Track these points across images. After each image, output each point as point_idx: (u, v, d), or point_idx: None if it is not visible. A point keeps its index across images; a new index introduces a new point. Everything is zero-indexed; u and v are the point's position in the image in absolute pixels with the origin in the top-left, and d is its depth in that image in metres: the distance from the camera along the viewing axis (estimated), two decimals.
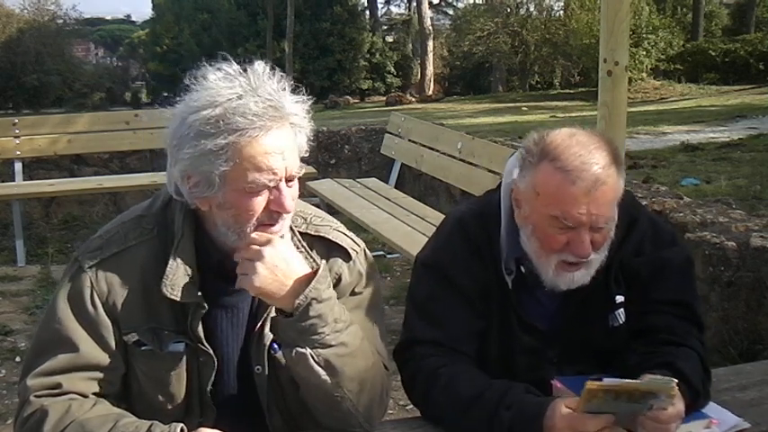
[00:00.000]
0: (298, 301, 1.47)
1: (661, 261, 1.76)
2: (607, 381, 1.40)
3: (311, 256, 1.59)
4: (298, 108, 1.51)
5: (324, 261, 1.57)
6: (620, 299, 1.76)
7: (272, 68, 1.52)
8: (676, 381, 1.44)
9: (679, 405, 1.48)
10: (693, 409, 1.59)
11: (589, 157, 1.58)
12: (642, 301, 1.75)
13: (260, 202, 1.47)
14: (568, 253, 1.63)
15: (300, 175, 1.51)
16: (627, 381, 1.43)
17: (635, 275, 1.75)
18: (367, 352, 1.58)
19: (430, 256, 1.80)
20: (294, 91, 1.53)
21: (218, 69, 1.48)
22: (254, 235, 1.48)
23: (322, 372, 1.50)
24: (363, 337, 1.58)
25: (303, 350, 1.49)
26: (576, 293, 1.72)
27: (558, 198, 1.59)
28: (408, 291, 1.82)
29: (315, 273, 1.50)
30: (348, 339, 1.52)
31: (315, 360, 1.49)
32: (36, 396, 1.48)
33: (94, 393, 1.52)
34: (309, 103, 1.54)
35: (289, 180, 1.49)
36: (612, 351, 1.76)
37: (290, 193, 1.49)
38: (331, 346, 1.50)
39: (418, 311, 1.76)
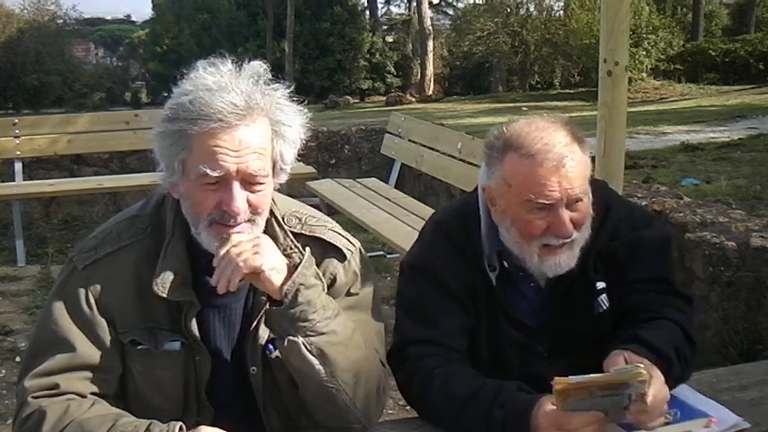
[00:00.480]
0: (286, 288, 1.47)
1: (636, 241, 1.78)
2: (574, 378, 1.40)
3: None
4: (291, 118, 1.51)
5: (308, 248, 1.57)
6: (600, 285, 1.78)
7: (275, 76, 1.51)
8: (642, 366, 1.44)
9: (658, 383, 1.48)
10: (673, 380, 1.60)
11: (550, 138, 1.63)
12: (621, 283, 1.77)
13: (209, 198, 1.46)
14: (550, 236, 1.65)
15: (263, 181, 1.48)
16: (594, 375, 1.43)
17: (612, 258, 1.78)
18: (359, 344, 1.58)
19: (416, 257, 1.82)
20: (295, 100, 1.52)
21: (212, 64, 1.49)
22: (237, 236, 1.46)
23: (315, 361, 1.50)
24: (354, 329, 1.58)
25: (295, 338, 1.49)
26: (560, 285, 1.74)
27: (530, 182, 1.62)
28: (397, 295, 1.82)
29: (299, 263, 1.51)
30: (338, 328, 1.53)
31: (307, 348, 1.49)
32: (34, 397, 1.48)
33: (92, 393, 1.52)
34: (309, 115, 1.54)
35: (246, 182, 1.46)
36: (601, 339, 1.76)
37: (243, 196, 1.46)
38: (322, 333, 1.50)
39: (410, 312, 1.76)
